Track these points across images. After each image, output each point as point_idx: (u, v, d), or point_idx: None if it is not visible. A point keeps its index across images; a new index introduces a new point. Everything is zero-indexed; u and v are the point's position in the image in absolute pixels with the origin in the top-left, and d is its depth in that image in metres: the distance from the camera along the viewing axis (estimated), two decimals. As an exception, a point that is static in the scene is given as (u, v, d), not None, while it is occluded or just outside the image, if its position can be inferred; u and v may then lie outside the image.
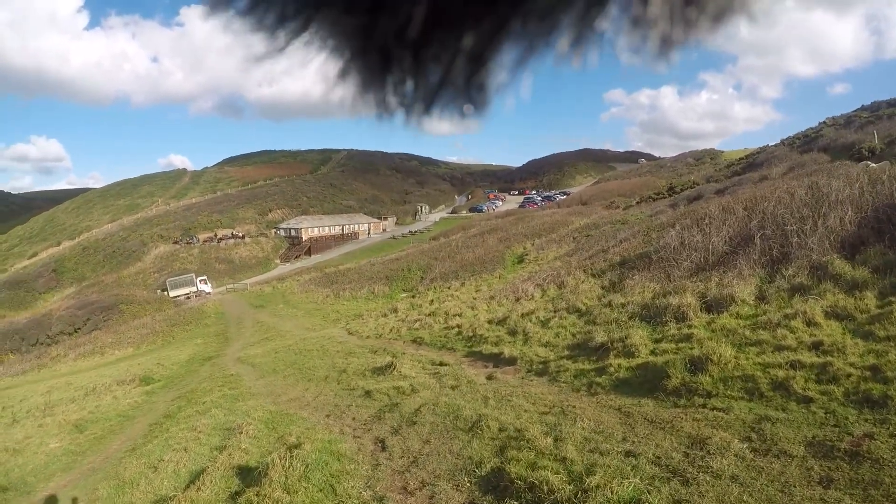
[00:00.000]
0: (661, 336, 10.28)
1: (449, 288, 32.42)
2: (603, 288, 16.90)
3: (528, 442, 6.71)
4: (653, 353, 9.43)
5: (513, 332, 14.51)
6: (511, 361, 11.93)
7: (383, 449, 7.86)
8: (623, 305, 13.41)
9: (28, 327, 55.00)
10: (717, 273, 13.10)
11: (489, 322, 16.73)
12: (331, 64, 0.85)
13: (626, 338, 10.26)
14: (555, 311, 15.51)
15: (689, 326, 10.19)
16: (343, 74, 0.86)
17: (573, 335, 12.56)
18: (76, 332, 52.13)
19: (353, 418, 9.98)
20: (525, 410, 8.09)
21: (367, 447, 8.11)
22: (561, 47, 0.81)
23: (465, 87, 0.87)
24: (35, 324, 55.86)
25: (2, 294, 77.01)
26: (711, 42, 0.84)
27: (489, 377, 10.97)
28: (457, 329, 17.25)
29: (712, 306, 10.91)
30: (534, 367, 11.02)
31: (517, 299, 19.98)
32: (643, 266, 17.10)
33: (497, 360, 12.55)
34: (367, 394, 11.42)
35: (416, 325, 20.21)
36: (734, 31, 0.86)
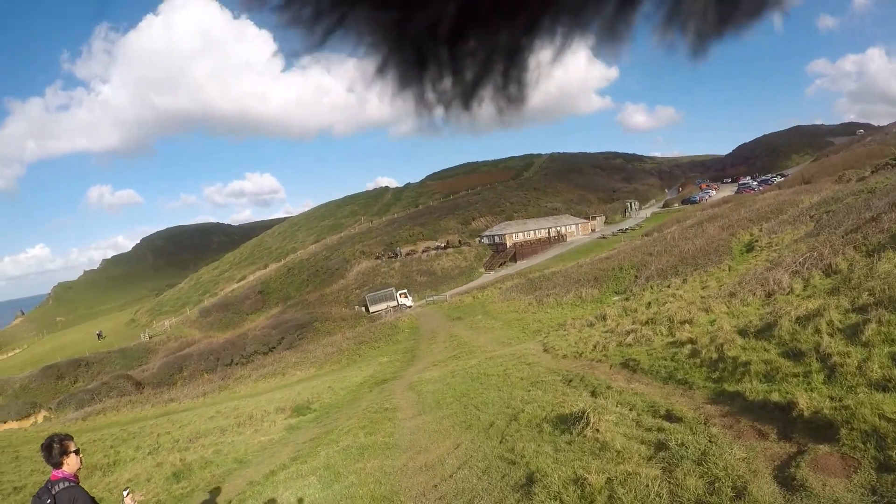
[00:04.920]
0: None
1: (669, 286, 27.20)
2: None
3: None
4: None
5: (794, 354, 8.50)
6: (818, 426, 5.94)
7: None
8: None
9: (224, 347, 56.92)
10: None
11: (740, 333, 10.79)
12: (369, 60, 0.84)
13: None
14: (856, 310, 9.35)
15: None
16: (381, 71, 0.85)
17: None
18: (270, 351, 53.02)
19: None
20: None
21: None
22: (594, 42, 0.80)
23: (502, 84, 0.87)
24: (230, 344, 57.80)
25: (212, 316, 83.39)
26: (746, 36, 0.84)
27: (784, 474, 5.09)
28: (689, 346, 11.57)
29: None
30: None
31: (768, 294, 14.90)
32: None
33: (782, 417, 6.65)
34: (529, 482, 6.73)
35: (629, 338, 14.90)
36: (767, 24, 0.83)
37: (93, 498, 4.91)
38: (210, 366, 52.17)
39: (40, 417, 46.42)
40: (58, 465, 4.75)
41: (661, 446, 6.69)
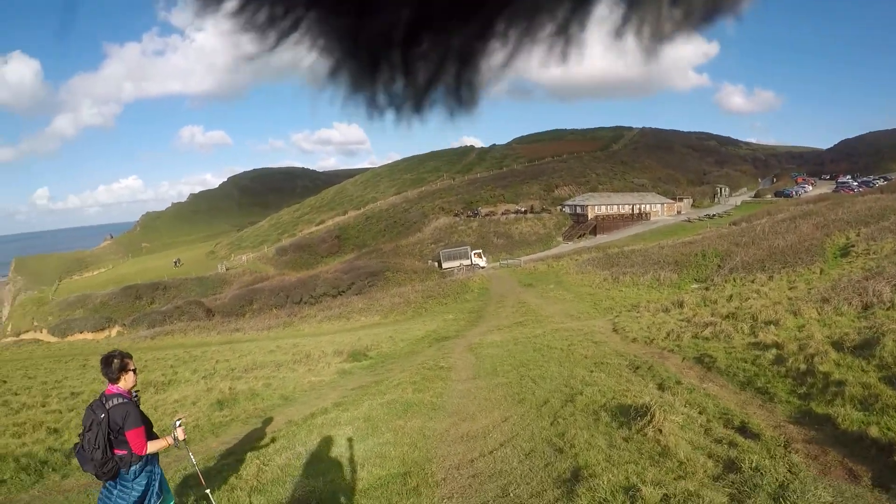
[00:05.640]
0: None
1: (753, 281, 26.21)
2: None
3: None
4: None
5: (898, 381, 7.48)
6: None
7: None
8: None
9: (294, 286, 58.48)
10: None
11: (834, 346, 9.82)
12: (321, 63, 0.85)
13: None
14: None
15: None
16: (333, 74, 0.86)
17: None
18: (339, 294, 53.98)
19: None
20: None
21: None
22: (547, 46, 0.81)
23: (454, 87, 0.87)
24: (301, 283, 59.27)
25: (287, 255, 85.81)
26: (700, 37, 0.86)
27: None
28: (774, 351, 10.66)
29: None
30: None
31: (865, 306, 13.71)
32: None
33: (881, 458, 5.79)
34: (574, 478, 6.11)
35: (707, 331, 14.07)
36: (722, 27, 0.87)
37: (144, 415, 5.13)
38: (279, 302, 53.54)
39: (114, 332, 48.96)
40: (114, 381, 4.96)
41: (731, 466, 5.89)
